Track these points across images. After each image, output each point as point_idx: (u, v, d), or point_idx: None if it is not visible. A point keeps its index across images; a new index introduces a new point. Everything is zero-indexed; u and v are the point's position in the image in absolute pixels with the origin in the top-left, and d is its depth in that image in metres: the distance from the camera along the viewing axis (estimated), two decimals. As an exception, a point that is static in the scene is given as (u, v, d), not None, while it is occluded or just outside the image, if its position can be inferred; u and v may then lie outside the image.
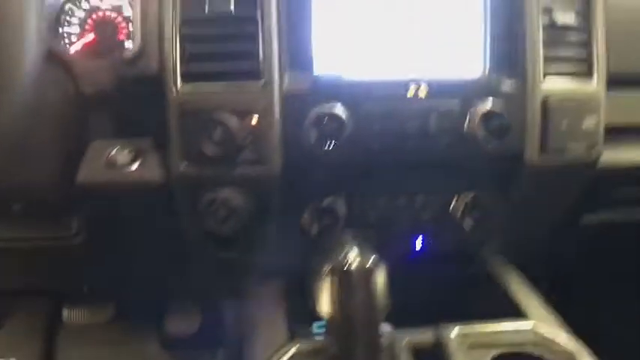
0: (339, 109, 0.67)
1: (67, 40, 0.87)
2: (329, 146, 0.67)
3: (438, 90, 0.71)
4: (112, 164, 0.74)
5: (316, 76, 0.70)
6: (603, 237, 1.03)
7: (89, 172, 0.74)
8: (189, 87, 0.68)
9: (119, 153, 0.76)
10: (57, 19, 0.87)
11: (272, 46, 0.67)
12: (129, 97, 0.74)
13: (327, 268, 0.56)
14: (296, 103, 0.68)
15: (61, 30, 0.87)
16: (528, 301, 0.80)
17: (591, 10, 0.78)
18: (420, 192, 0.78)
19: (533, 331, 0.68)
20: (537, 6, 0.74)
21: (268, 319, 0.78)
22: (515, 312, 0.78)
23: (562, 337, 0.68)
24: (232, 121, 0.66)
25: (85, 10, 0.87)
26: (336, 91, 0.69)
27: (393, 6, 0.72)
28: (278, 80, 0.68)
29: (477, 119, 0.70)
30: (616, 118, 0.92)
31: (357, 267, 0.55)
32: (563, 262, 1.10)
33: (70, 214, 0.80)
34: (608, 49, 0.81)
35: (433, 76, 0.72)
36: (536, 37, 0.74)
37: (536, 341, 0.67)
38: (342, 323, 0.56)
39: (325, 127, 0.66)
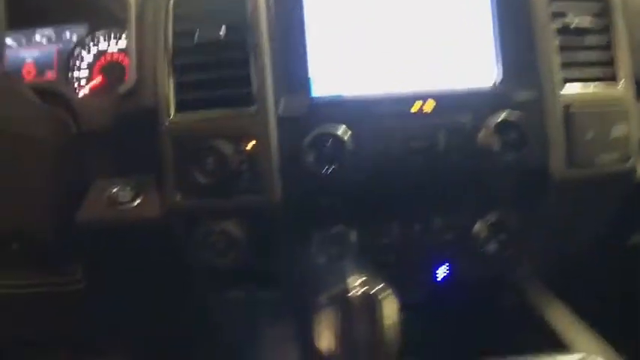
0: (339, 129, 0.63)
1: (76, 84, 0.89)
2: (328, 169, 0.63)
3: (445, 104, 0.67)
4: (113, 202, 0.72)
5: (314, 98, 0.67)
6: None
7: (90, 210, 0.72)
8: (182, 116, 0.66)
9: (121, 191, 0.74)
10: (66, 64, 0.89)
11: (265, 71, 0.65)
12: (129, 133, 0.73)
13: (326, 297, 0.50)
14: (293, 127, 0.65)
15: (70, 74, 0.89)
16: (573, 332, 0.71)
17: (609, 11, 0.72)
18: (437, 215, 0.72)
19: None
20: (547, 10, 0.69)
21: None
22: (559, 344, 0.69)
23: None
24: (226, 148, 0.63)
25: (93, 54, 0.89)
26: (335, 111, 0.65)
27: (393, 16, 0.69)
28: (273, 105, 0.65)
29: (490, 131, 0.65)
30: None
31: (361, 295, 0.49)
32: (610, 286, 0.99)
33: (71, 259, 0.78)
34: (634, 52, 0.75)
35: (440, 89, 0.68)
36: (549, 42, 0.68)
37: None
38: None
39: (324, 149, 0.62)
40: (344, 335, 0.49)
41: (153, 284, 0.81)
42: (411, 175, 0.67)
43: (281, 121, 0.65)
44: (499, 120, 0.65)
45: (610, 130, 0.70)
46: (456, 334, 0.78)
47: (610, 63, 0.72)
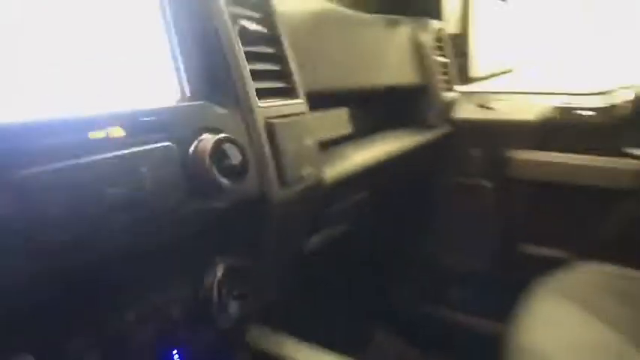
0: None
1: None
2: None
3: (139, 128, 0.46)
4: None
5: None
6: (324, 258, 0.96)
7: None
8: None
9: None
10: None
11: None
12: None
13: None
14: None
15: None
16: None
17: (273, 23, 0.68)
18: (153, 290, 0.49)
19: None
20: (226, 12, 0.58)
21: None
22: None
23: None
24: None
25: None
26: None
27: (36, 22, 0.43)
28: None
29: (206, 156, 0.48)
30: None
31: None
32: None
33: None
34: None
35: (120, 110, 0.46)
36: (235, 46, 0.58)
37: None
38: None
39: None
40: None
41: None
42: (109, 246, 0.42)
43: None
44: (213, 140, 0.49)
45: (303, 142, 0.66)
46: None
47: (285, 75, 0.68)
